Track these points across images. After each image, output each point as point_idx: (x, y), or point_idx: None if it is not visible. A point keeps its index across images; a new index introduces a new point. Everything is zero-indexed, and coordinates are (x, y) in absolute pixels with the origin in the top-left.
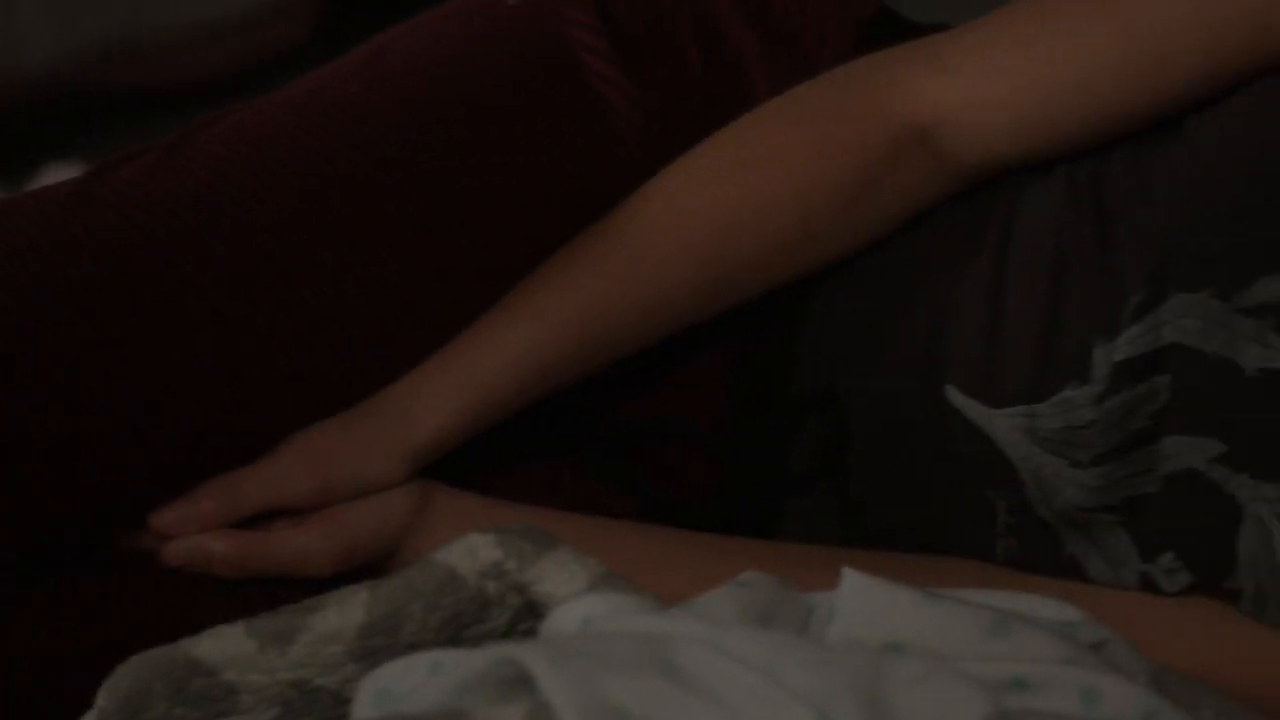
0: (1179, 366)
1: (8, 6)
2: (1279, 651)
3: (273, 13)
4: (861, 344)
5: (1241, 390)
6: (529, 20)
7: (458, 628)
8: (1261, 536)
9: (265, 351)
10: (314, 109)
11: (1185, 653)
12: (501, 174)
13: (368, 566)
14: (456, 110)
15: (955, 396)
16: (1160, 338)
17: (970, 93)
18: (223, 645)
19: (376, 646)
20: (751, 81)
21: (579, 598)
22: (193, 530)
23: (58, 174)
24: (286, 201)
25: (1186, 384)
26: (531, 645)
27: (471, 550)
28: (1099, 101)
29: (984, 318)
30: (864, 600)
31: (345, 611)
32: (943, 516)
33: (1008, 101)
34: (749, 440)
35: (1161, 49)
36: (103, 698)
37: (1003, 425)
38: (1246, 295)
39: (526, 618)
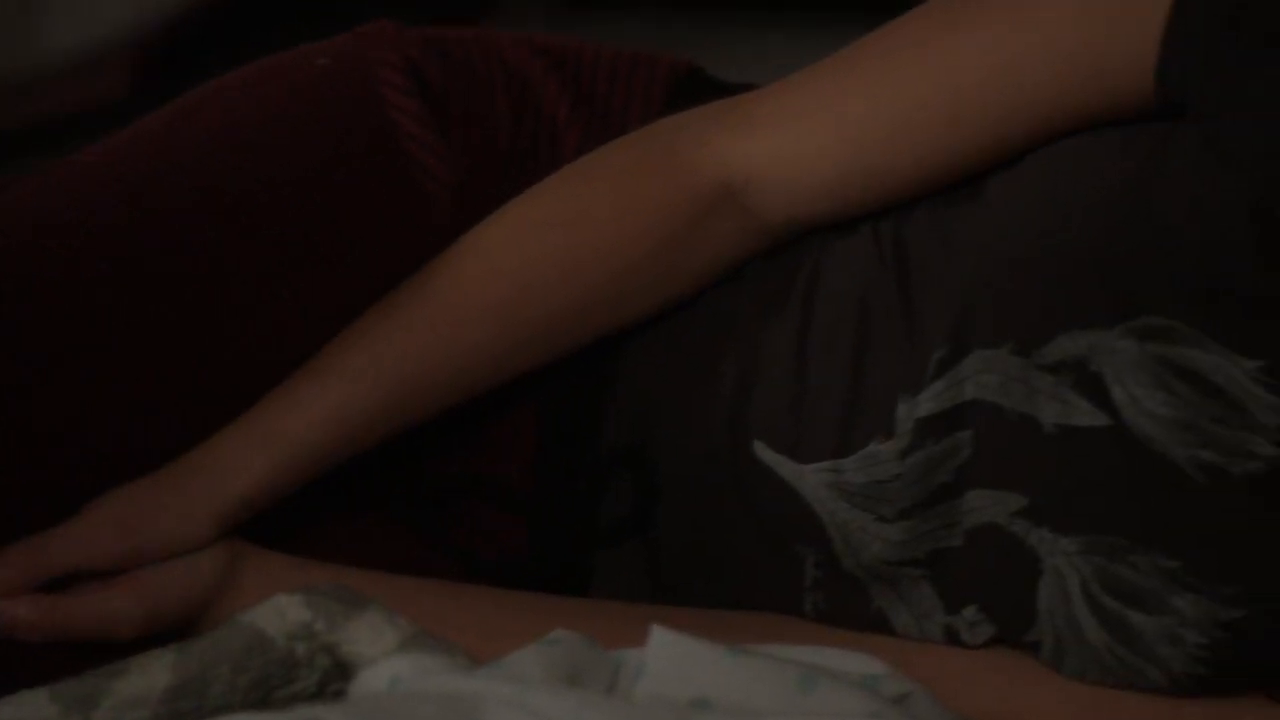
0: (980, 422)
1: None
2: (1077, 702)
3: (90, 67)
4: (671, 400)
5: (1040, 445)
6: (339, 80)
7: (266, 689)
8: (1060, 589)
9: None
10: (121, 167)
11: (987, 704)
12: (310, 236)
13: (176, 628)
14: (264, 172)
15: (763, 453)
16: (962, 393)
17: (778, 151)
18: (25, 711)
19: (183, 710)
20: (562, 141)
21: (387, 658)
22: None
23: None
24: (87, 268)
25: (988, 439)
26: (338, 706)
27: (280, 611)
28: (902, 160)
29: (790, 374)
30: (672, 657)
31: (151, 674)
32: (752, 572)
33: (814, 160)
34: (559, 496)
35: (964, 110)
36: None
37: (810, 481)
38: (1045, 352)
39: (336, 679)
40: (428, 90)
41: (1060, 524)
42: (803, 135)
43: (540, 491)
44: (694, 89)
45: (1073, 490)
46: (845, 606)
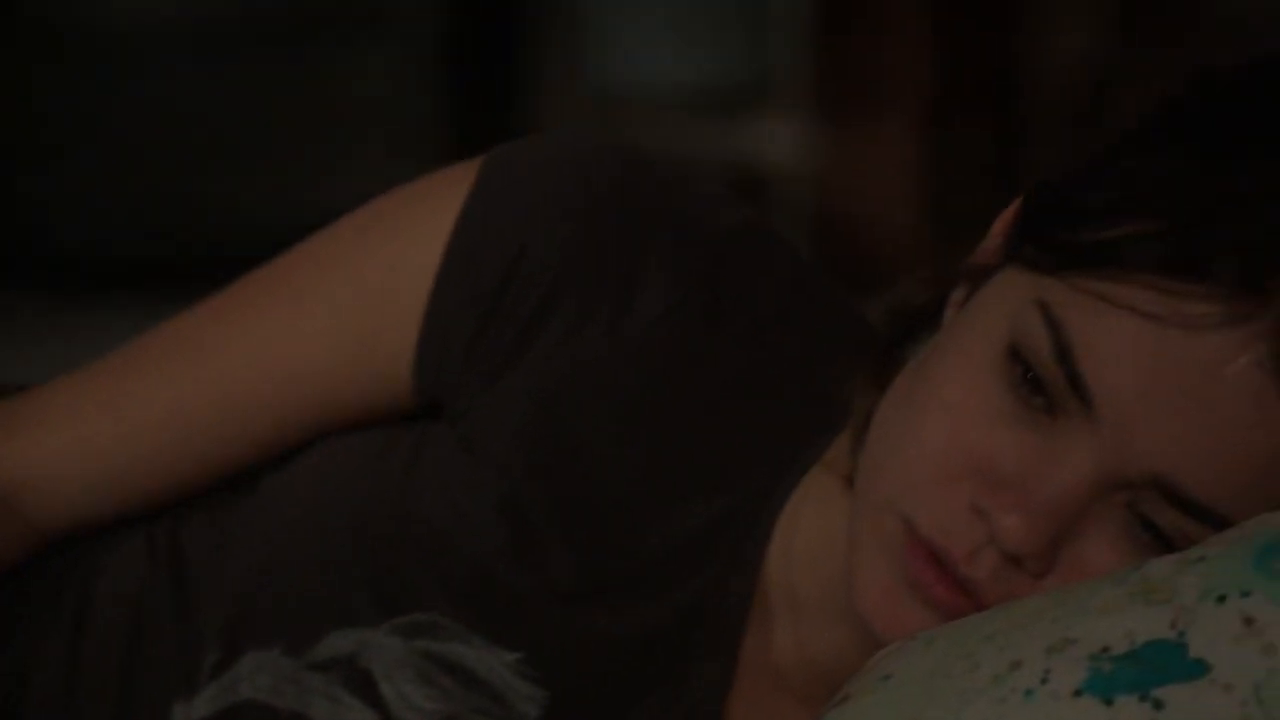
0: None
1: None
2: None
3: None
4: None
5: None
6: None
7: None
8: None
9: None
10: None
11: None
12: None
13: None
14: None
15: None
16: (238, 694)
17: (41, 454)
18: None
19: None
20: None
21: None
22: None
23: None
24: None
25: None
26: None
27: None
28: (178, 461)
29: (62, 679)
30: None
31: None
32: None
33: (84, 462)
34: None
35: (237, 410)
36: None
37: None
38: (316, 651)
39: None
40: None
41: None
42: (73, 437)
43: None
44: None
45: None
46: None
